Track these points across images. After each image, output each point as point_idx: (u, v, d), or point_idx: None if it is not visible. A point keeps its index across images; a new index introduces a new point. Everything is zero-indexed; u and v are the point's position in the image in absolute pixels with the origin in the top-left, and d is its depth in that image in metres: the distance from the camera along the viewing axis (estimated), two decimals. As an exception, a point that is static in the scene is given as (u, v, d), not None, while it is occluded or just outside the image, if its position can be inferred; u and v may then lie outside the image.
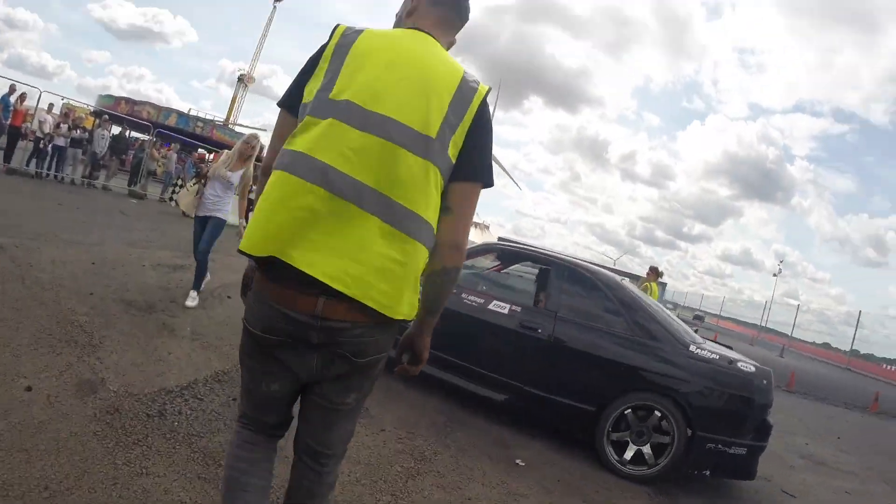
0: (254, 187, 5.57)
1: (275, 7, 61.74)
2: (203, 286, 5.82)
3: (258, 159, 5.83)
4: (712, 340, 5.72)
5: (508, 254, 6.22)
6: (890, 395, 15.99)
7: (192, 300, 5.53)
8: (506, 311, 4.64)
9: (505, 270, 6.39)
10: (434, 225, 1.43)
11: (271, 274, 1.38)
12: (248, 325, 1.46)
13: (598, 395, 4.27)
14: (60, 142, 14.76)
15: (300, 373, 1.44)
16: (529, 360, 4.47)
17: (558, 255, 5.25)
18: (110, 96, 39.29)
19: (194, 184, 5.98)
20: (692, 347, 4.33)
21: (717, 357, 4.28)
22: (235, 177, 5.72)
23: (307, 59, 1.51)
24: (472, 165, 1.46)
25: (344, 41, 1.47)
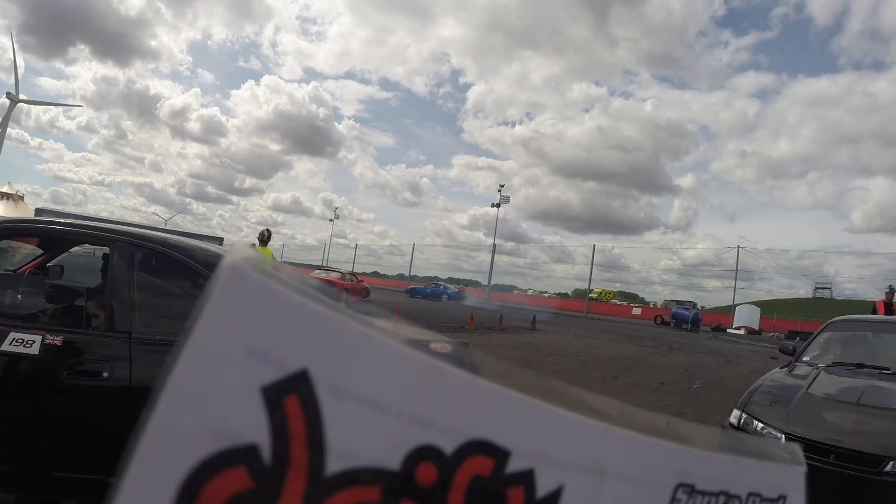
0: None
1: None
2: None
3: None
4: None
5: (36, 234, 3.37)
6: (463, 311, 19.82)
7: None
8: (36, 350, 2.32)
9: (53, 263, 3.75)
10: None
11: None
12: None
13: None
14: None
15: None
16: (108, 433, 2.12)
17: (118, 227, 2.84)
18: None
19: None
20: None
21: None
22: None
23: None
24: None
25: None
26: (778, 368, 4.66)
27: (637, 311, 44.61)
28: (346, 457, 0.31)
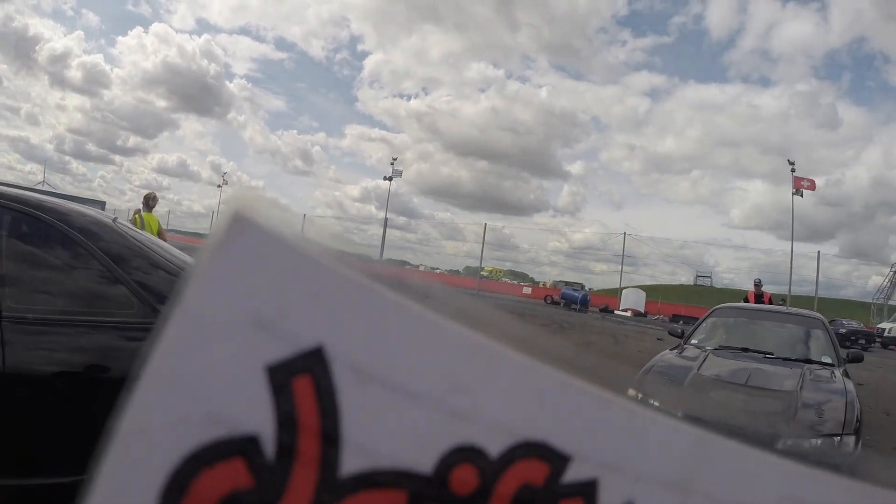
0: None
1: None
2: None
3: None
4: None
5: None
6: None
7: None
8: None
9: None
10: None
11: None
12: None
13: None
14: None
15: None
16: None
17: None
18: None
19: None
20: None
21: None
22: None
23: None
24: None
25: None
26: (668, 350, 4.85)
27: (527, 290, 44.75)
28: (366, 454, 0.25)
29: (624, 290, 37.22)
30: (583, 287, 38.02)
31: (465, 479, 0.26)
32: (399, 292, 0.26)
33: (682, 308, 33.89)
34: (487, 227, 40.91)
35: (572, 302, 31.66)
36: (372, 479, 0.25)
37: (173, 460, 0.24)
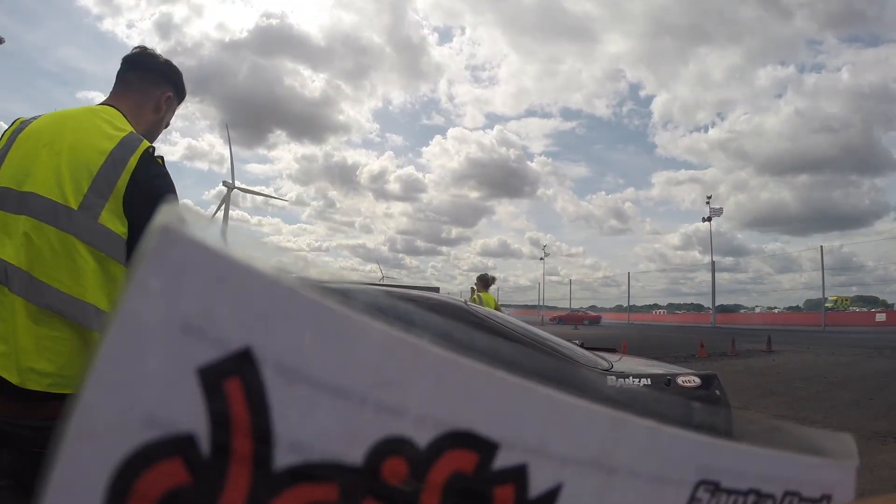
0: None
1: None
2: None
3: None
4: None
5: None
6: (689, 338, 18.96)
7: None
8: None
9: None
10: (95, 303, 1.32)
11: None
12: None
13: None
14: None
15: None
16: None
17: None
18: None
19: None
20: (611, 379, 2.73)
21: (649, 381, 2.75)
22: None
23: None
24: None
25: (20, 128, 1.44)
26: None
27: (881, 317, 37.99)
28: (297, 449, 0.26)
29: None
30: (951, 301, 30.97)
31: (395, 469, 0.27)
32: (321, 294, 0.27)
33: None
34: (824, 249, 37.13)
35: (942, 323, 25.61)
36: (305, 473, 0.26)
37: (116, 460, 0.25)
